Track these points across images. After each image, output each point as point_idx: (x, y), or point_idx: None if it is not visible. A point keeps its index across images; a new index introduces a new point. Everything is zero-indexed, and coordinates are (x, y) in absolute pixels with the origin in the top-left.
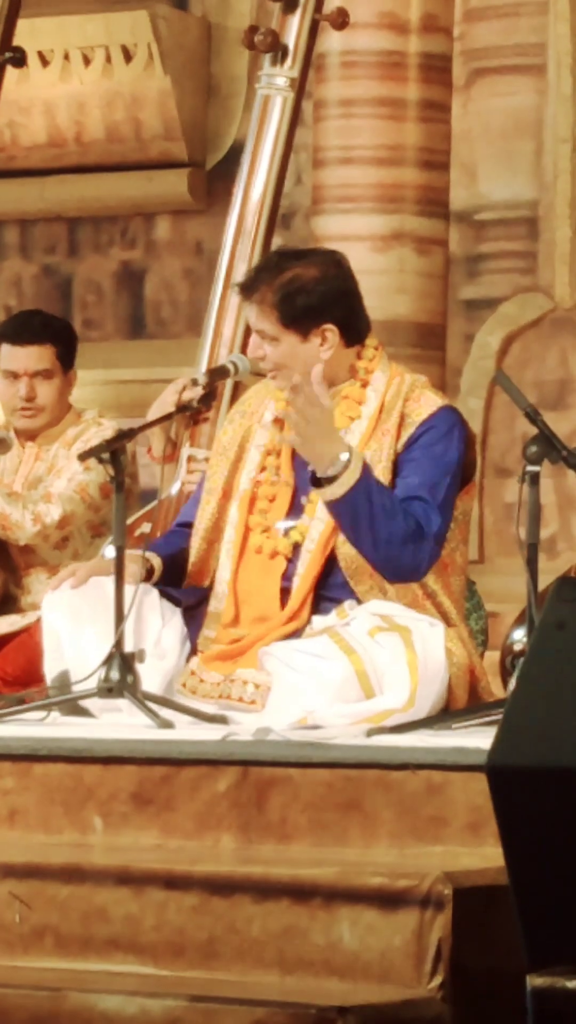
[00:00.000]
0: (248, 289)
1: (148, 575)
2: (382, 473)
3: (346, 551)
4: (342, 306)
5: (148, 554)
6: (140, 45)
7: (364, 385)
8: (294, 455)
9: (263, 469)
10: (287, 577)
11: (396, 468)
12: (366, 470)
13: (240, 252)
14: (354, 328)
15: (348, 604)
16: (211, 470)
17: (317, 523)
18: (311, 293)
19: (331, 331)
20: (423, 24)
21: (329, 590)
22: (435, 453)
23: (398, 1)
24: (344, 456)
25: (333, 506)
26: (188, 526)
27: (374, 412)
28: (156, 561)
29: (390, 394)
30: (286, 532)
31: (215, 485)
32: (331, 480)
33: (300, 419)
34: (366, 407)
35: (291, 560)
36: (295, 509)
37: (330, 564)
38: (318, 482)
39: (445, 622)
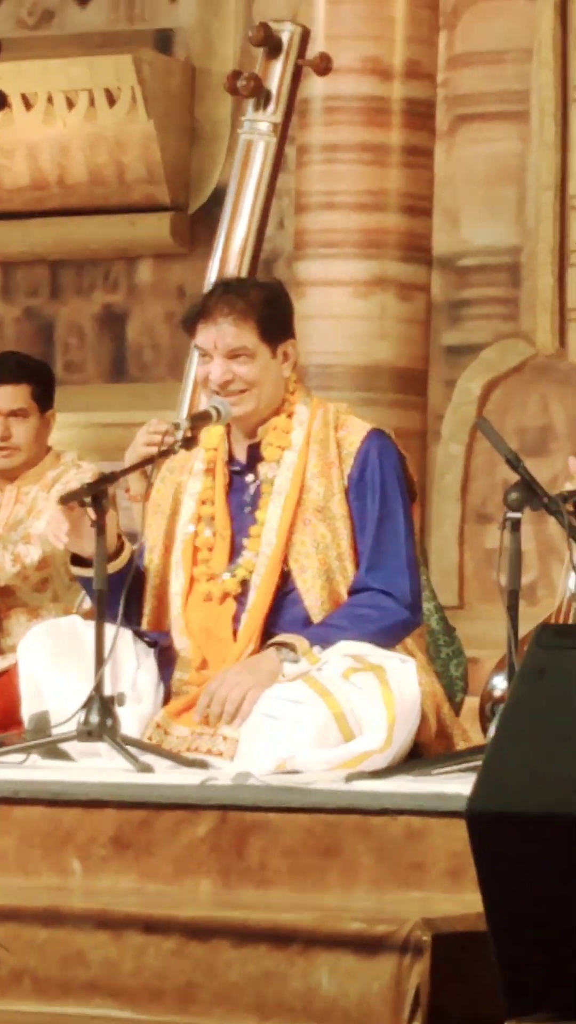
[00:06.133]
0: (213, 311)
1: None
2: (338, 504)
3: (314, 596)
4: (293, 326)
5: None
6: (124, 89)
7: (290, 416)
8: (228, 501)
9: (199, 519)
10: (236, 618)
11: (348, 497)
12: (311, 634)
13: None
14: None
15: (316, 648)
16: (148, 528)
17: (262, 558)
18: (283, 309)
19: (293, 347)
20: (407, 70)
21: (283, 628)
22: (380, 510)
23: (382, 47)
24: (286, 661)
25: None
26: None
27: (302, 442)
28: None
29: (316, 425)
30: (232, 572)
31: (155, 542)
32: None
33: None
34: (294, 435)
35: (240, 598)
36: (236, 552)
37: (283, 604)
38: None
39: (407, 653)
